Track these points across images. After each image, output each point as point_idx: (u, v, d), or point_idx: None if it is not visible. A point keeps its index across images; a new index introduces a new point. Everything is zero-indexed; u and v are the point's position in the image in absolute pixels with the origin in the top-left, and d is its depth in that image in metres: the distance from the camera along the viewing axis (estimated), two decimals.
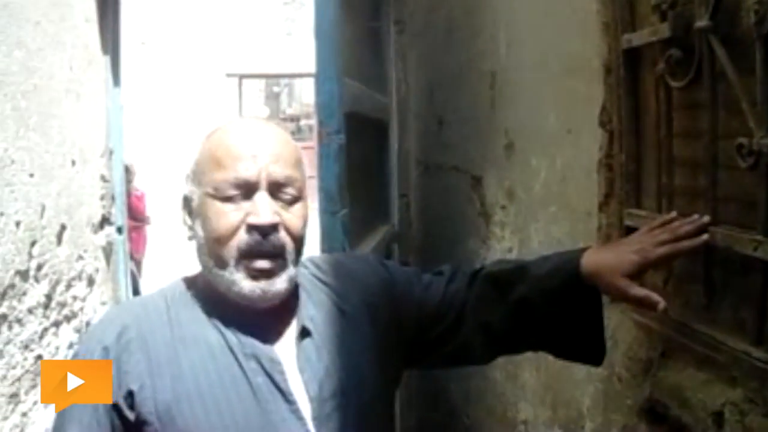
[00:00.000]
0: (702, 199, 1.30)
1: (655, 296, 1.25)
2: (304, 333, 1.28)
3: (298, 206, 1.27)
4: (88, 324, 3.16)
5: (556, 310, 1.35)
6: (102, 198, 3.51)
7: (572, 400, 1.88)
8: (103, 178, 3.53)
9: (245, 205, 1.22)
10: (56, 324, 2.78)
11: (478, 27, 2.55)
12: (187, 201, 1.30)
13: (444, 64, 2.92)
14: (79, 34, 3.21)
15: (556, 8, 1.90)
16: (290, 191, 1.26)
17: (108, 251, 3.58)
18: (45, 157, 2.70)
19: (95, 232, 3.38)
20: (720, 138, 1.26)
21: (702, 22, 1.25)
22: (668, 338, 1.41)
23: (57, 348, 2.79)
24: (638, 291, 1.27)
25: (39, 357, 2.58)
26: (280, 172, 1.25)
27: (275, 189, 1.24)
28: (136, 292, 5.79)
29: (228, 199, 1.22)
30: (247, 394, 1.20)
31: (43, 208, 2.64)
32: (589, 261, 1.32)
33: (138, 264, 7.52)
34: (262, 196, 1.23)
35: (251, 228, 1.22)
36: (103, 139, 3.57)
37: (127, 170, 6.87)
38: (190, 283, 1.33)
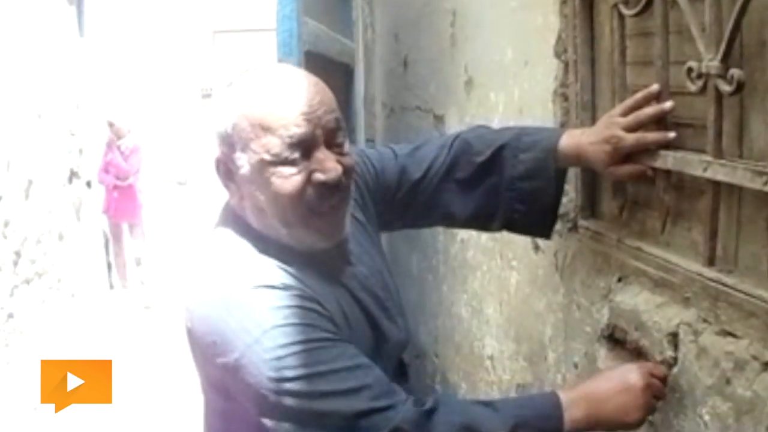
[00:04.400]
0: (654, 125, 1.31)
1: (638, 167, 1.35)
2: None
3: (347, 144, 1.27)
4: (59, 281, 3.15)
5: (526, 187, 1.47)
6: (70, 152, 3.48)
7: (534, 332, 1.91)
8: (71, 132, 3.50)
9: (305, 162, 1.20)
10: (27, 281, 2.77)
11: None
12: (223, 165, 1.25)
13: (409, 6, 2.90)
14: None
15: None
16: (341, 134, 1.25)
17: (77, 206, 3.56)
18: (10, 111, 2.66)
19: (64, 186, 3.36)
20: (671, 64, 1.27)
21: None
22: (624, 264, 1.43)
23: (29, 306, 2.79)
24: (624, 171, 1.37)
25: (10, 315, 2.58)
26: (331, 119, 1.22)
27: (330, 138, 1.22)
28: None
29: (286, 161, 1.19)
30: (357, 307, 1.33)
31: (9, 163, 2.61)
32: (570, 144, 1.43)
33: (132, 228, 7.03)
34: (322, 152, 1.21)
35: (319, 185, 1.21)
36: (71, 92, 3.53)
37: (111, 126, 6.76)
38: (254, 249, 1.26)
